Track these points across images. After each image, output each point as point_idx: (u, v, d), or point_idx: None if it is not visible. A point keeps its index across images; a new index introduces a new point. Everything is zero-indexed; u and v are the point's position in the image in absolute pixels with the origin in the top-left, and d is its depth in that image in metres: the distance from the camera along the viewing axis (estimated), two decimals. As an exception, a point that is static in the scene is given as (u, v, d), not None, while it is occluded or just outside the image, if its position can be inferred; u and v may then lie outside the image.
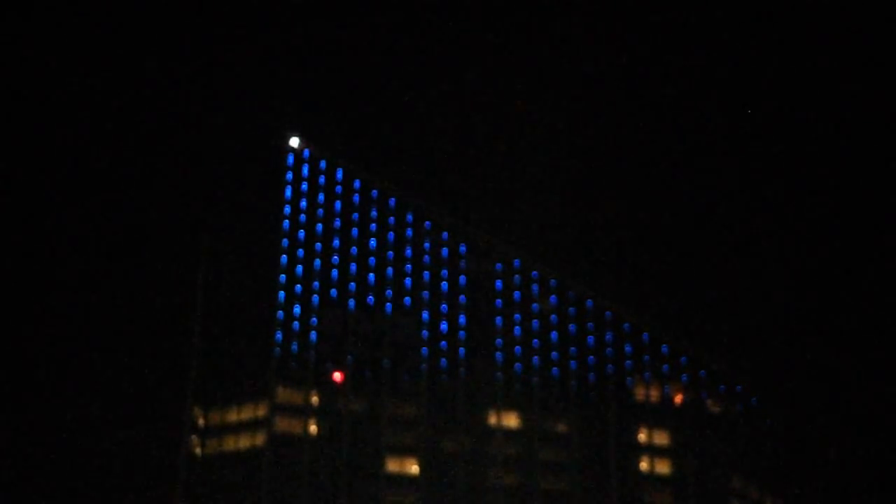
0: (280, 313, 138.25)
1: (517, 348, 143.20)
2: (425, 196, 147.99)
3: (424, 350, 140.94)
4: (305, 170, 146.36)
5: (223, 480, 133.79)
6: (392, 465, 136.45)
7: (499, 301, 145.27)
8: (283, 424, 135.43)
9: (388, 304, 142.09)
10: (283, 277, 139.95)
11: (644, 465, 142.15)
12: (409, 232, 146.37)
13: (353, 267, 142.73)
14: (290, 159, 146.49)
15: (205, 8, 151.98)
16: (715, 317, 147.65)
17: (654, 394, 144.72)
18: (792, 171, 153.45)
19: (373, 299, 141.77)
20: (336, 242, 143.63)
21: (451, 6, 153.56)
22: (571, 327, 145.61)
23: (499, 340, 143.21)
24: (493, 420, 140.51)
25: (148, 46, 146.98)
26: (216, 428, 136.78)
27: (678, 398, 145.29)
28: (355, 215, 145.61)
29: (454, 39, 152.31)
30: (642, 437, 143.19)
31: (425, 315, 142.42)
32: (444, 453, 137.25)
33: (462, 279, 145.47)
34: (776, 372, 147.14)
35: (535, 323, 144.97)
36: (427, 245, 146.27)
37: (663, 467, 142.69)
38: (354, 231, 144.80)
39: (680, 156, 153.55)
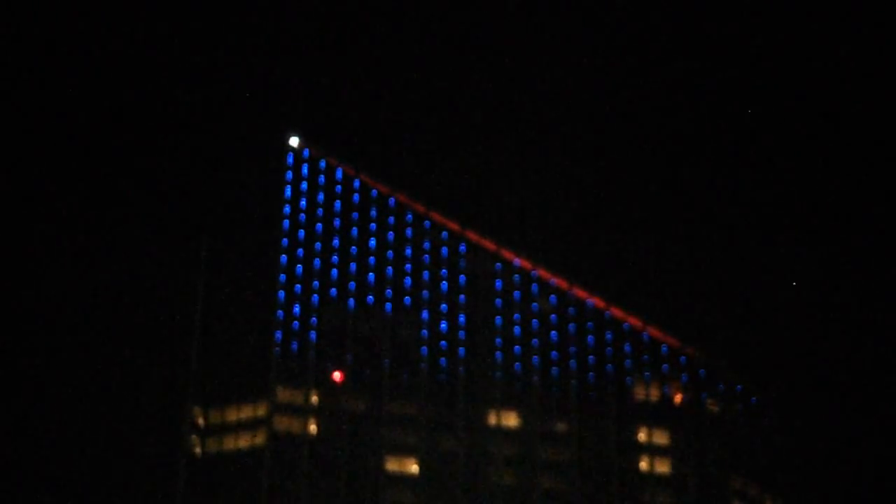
0: (280, 313, 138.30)
1: (517, 348, 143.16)
2: (425, 197, 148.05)
3: (424, 350, 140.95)
4: (305, 170, 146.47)
5: (223, 480, 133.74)
6: (391, 465, 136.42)
7: (498, 301, 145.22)
8: (282, 424, 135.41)
9: (388, 303, 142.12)
10: (283, 277, 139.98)
11: (644, 465, 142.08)
12: (409, 231, 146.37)
13: (353, 266, 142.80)
14: (290, 159, 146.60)
15: (205, 8, 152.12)
16: (715, 317, 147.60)
17: (654, 394, 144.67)
18: (792, 171, 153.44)
19: (372, 299, 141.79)
20: (336, 242, 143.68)
21: (452, 6, 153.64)
22: (571, 327, 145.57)
23: (498, 340, 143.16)
24: (492, 420, 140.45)
25: (148, 46, 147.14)
26: (216, 427, 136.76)
27: (678, 398, 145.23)
28: (355, 215, 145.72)
29: (454, 40, 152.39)
30: (642, 436, 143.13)
31: (425, 315, 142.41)
32: (443, 453, 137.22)
33: (462, 279, 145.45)
34: (776, 372, 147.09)
35: (535, 322, 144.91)
36: (427, 245, 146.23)
37: (663, 467, 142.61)
38: (354, 231, 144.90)
39: (680, 156, 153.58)
